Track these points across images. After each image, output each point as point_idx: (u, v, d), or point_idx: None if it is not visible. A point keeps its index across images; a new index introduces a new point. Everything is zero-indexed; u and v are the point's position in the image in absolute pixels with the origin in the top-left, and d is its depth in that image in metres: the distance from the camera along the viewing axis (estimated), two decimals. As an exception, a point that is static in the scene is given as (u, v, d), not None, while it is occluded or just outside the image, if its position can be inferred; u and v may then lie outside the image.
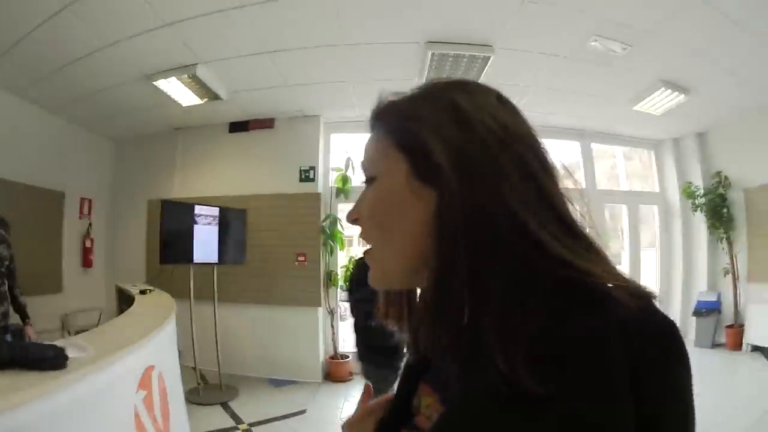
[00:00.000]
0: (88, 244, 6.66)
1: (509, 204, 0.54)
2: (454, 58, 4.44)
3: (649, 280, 6.79)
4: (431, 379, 0.70)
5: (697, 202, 6.15)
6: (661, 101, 5.29)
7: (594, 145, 6.74)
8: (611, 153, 7.09)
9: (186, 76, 4.84)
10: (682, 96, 5.12)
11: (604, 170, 7.10)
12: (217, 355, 5.37)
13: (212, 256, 5.48)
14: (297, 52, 4.49)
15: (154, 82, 4.97)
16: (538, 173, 0.57)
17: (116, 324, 3.41)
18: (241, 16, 3.85)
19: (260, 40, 4.29)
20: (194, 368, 5.23)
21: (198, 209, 5.34)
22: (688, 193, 6.21)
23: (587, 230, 0.59)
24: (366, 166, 0.68)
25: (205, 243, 5.39)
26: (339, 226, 6.10)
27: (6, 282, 3.22)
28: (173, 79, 4.91)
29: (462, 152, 0.56)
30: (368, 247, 0.67)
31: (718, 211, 5.96)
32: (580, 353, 0.46)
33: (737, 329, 5.90)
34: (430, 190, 0.58)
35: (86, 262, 6.63)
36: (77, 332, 5.70)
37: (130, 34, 4.12)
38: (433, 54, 4.36)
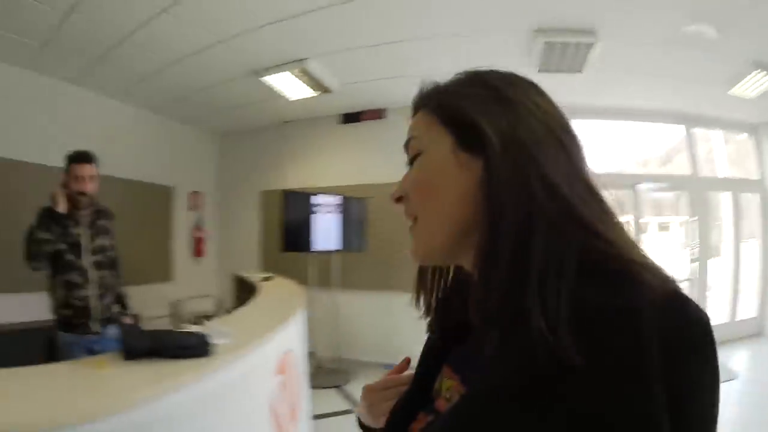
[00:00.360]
0: (199, 234, 6.93)
1: (548, 174, 0.57)
2: (561, 46, 4.49)
3: (750, 273, 6.67)
4: (454, 361, 0.72)
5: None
6: (755, 84, 5.24)
7: (694, 130, 6.64)
8: (706, 137, 6.91)
9: (297, 70, 5.02)
10: None
11: (700, 156, 6.91)
12: (334, 340, 5.58)
13: (332, 244, 5.71)
14: (407, 44, 4.61)
15: (262, 78, 5.17)
16: (572, 151, 0.62)
17: (249, 310, 3.48)
18: (352, 9, 3.95)
19: (371, 32, 4.41)
20: (311, 353, 5.42)
21: (317, 198, 5.60)
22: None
23: (609, 203, 0.61)
24: (411, 144, 0.71)
25: (326, 231, 5.63)
26: None
27: (110, 272, 3.24)
28: (284, 74, 5.11)
29: (504, 122, 0.61)
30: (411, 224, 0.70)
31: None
32: (619, 328, 0.47)
33: None
34: (475, 160, 0.61)
35: (197, 252, 6.94)
36: (189, 319, 5.93)
37: (237, 32, 4.31)
38: (542, 42, 4.42)
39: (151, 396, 1.76)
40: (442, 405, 0.70)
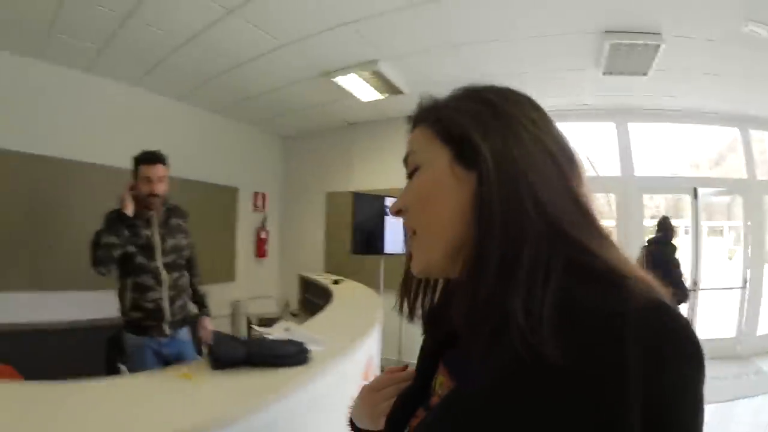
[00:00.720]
0: (263, 235, 7.02)
1: (537, 190, 0.59)
2: (628, 47, 4.44)
3: None
4: (448, 359, 0.74)
5: None
6: None
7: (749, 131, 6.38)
8: (760, 139, 6.61)
9: (367, 72, 5.00)
10: None
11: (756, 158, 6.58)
12: (400, 344, 5.53)
13: (401, 247, 5.63)
14: (478, 46, 4.57)
15: (333, 79, 5.14)
16: (563, 166, 0.63)
17: (330, 314, 3.46)
18: (423, 11, 3.94)
19: (442, 34, 4.38)
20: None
21: (388, 201, 5.54)
22: None
23: (601, 222, 0.62)
24: (409, 159, 0.73)
25: (395, 233, 5.58)
26: None
27: (185, 273, 3.13)
28: (353, 76, 5.08)
29: (498, 139, 0.63)
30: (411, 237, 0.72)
31: None
32: (602, 331, 0.48)
33: None
34: (471, 174, 0.63)
35: (260, 252, 7.05)
36: (251, 318, 5.94)
37: (307, 34, 4.28)
38: (609, 44, 4.37)
39: (253, 407, 1.73)
40: (435, 401, 0.73)
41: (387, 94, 5.59)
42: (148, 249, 2.88)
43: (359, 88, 5.38)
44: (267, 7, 3.83)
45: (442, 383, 0.73)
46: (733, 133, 6.40)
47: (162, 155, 2.97)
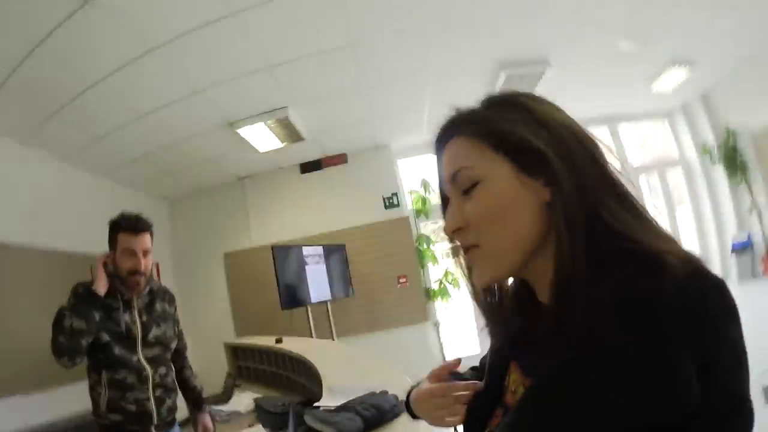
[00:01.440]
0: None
1: (591, 190, 0.66)
2: (519, 76, 5.05)
3: (685, 233, 7.47)
4: (520, 358, 0.78)
5: (713, 156, 6.95)
6: (672, 78, 6.12)
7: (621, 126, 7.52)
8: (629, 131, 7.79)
9: (273, 120, 4.95)
10: (688, 68, 5.92)
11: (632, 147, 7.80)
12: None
13: (325, 294, 5.67)
14: (383, 88, 4.85)
15: (237, 129, 5.01)
16: (601, 160, 0.70)
17: (342, 368, 3.03)
18: (334, 56, 4.13)
19: (353, 77, 4.56)
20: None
21: (306, 250, 5.51)
22: (705, 150, 7.01)
23: (640, 203, 0.69)
24: (462, 174, 0.73)
25: (318, 282, 5.56)
26: (424, 245, 6.51)
27: (173, 368, 2.68)
28: (260, 125, 4.98)
29: (554, 142, 0.68)
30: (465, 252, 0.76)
31: (732, 160, 6.71)
32: (644, 310, 0.54)
33: None
34: (536, 181, 0.68)
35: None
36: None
37: (216, 82, 4.18)
38: (504, 74, 4.94)
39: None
40: (509, 398, 0.77)
41: (287, 143, 5.56)
42: (126, 339, 2.38)
43: (259, 137, 5.28)
44: (179, 54, 3.64)
45: (515, 380, 0.77)
46: (604, 131, 7.37)
47: (148, 222, 2.49)
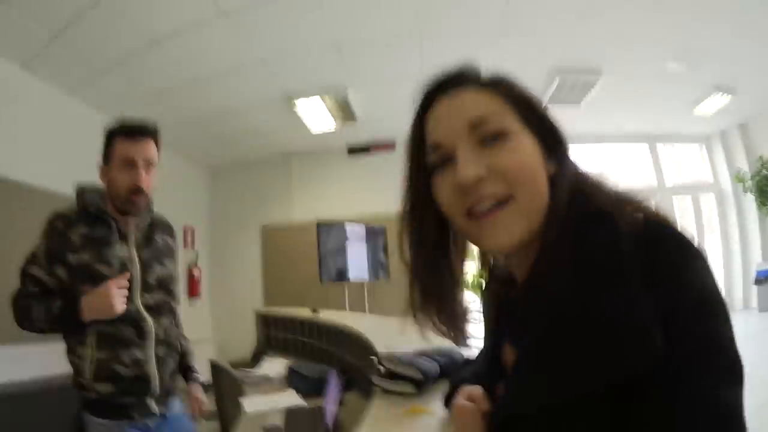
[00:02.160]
0: (195, 274, 6.50)
1: (578, 170, 0.71)
2: (572, 83, 5.27)
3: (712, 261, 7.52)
4: (510, 333, 0.79)
5: (746, 185, 7.03)
6: (714, 103, 6.28)
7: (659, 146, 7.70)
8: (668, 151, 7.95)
9: (330, 97, 5.07)
10: (730, 96, 6.10)
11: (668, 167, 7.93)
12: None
13: (363, 273, 5.73)
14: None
15: (295, 100, 5.11)
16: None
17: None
18: (399, 43, 4.26)
19: (417, 66, 4.65)
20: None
21: (348, 228, 5.58)
22: (738, 178, 7.10)
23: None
24: (493, 120, 0.67)
25: (357, 260, 5.62)
26: None
27: (172, 320, 1.97)
28: (316, 99, 5.09)
29: (560, 135, 0.72)
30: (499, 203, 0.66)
31: (765, 189, 6.84)
32: (598, 268, 0.56)
33: None
34: (546, 158, 0.69)
35: (193, 292, 6.46)
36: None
37: (280, 54, 4.27)
38: (558, 79, 5.12)
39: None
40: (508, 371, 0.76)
41: (340, 123, 5.67)
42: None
43: (314, 115, 5.39)
44: (250, 22, 3.72)
45: (509, 353, 0.77)
46: (643, 148, 7.60)
47: (154, 127, 1.85)
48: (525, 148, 0.67)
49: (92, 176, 1.84)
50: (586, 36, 4.46)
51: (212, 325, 6.89)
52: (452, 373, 1.32)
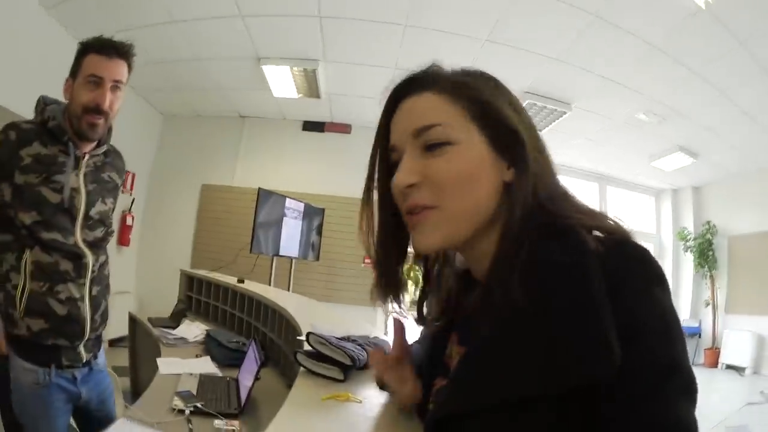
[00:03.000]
0: (128, 221, 6.16)
1: (541, 179, 0.68)
2: (539, 108, 5.30)
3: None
4: (457, 329, 0.80)
5: (688, 244, 7.29)
6: (674, 161, 6.49)
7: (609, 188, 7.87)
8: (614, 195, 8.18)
9: (299, 69, 4.95)
10: (692, 159, 6.33)
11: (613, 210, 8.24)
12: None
13: (294, 250, 5.63)
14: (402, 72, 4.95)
15: (263, 66, 4.99)
16: (549, 157, 0.72)
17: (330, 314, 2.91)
18: (383, 29, 4.19)
19: (388, 54, 4.62)
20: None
21: (289, 202, 5.46)
22: (681, 236, 7.37)
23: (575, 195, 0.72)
24: (435, 130, 0.68)
25: (290, 237, 5.50)
26: None
27: (106, 258, 1.86)
28: (285, 69, 4.99)
29: (528, 135, 0.69)
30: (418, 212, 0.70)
31: (705, 252, 7.11)
32: (564, 278, 0.57)
33: (714, 351, 7.08)
34: (502, 161, 0.69)
35: (123, 240, 6.12)
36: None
37: (261, 13, 4.16)
38: (527, 102, 5.13)
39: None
40: (451, 366, 0.77)
41: (303, 95, 5.57)
42: (65, 212, 1.63)
43: (279, 82, 5.27)
44: None
45: (456, 351, 0.78)
46: (593, 187, 7.77)
47: (131, 49, 1.70)
48: (465, 157, 0.67)
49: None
50: (565, 67, 4.49)
51: (135, 277, 6.55)
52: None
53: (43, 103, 1.67)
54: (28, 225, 1.56)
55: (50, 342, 1.61)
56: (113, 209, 1.87)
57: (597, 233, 0.61)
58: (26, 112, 1.80)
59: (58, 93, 1.71)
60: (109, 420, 1.78)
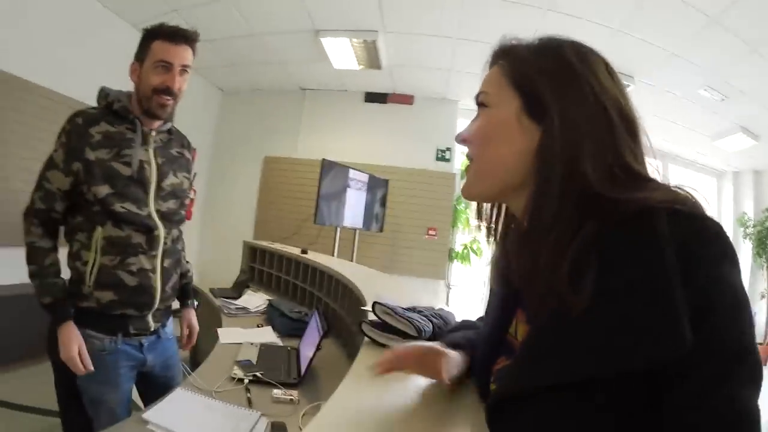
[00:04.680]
0: (191, 195, 6.25)
1: (590, 154, 0.65)
2: None
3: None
4: (523, 305, 0.79)
5: (747, 231, 6.90)
6: (735, 142, 6.14)
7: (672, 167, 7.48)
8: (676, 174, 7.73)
9: (359, 40, 4.88)
10: (753, 141, 5.98)
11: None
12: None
13: (358, 221, 5.64)
14: (476, 45, 4.76)
15: (321, 39, 4.94)
16: (616, 129, 0.67)
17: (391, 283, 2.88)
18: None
19: (448, 24, 4.51)
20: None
21: (352, 173, 5.44)
22: (741, 222, 6.98)
23: (650, 173, 0.70)
24: (481, 96, 0.77)
25: (354, 207, 5.51)
26: (462, 206, 6.52)
27: (179, 233, 1.89)
28: (344, 41, 4.93)
29: (567, 101, 0.68)
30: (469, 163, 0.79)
31: (764, 241, 6.71)
32: (634, 256, 0.56)
33: (767, 347, 6.62)
34: (535, 127, 0.70)
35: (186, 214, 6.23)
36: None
37: None
38: None
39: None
40: (516, 345, 0.79)
41: (364, 67, 5.49)
42: (136, 184, 1.66)
43: (339, 53, 5.21)
44: None
45: (523, 330, 0.78)
46: (656, 164, 7.35)
47: (195, 34, 1.74)
48: (492, 118, 0.74)
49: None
50: (627, 40, 4.28)
51: (197, 249, 6.67)
52: (443, 334, 1.23)
53: (105, 91, 1.72)
54: (101, 198, 1.58)
55: (119, 312, 1.65)
56: (189, 185, 1.90)
57: (666, 204, 0.58)
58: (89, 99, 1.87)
59: (112, 81, 1.78)
60: (172, 386, 1.82)
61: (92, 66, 4.15)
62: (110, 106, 1.68)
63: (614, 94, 0.70)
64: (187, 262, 2.06)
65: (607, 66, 0.73)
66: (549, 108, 0.68)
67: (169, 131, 1.85)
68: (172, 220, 1.78)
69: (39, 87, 3.84)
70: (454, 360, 0.94)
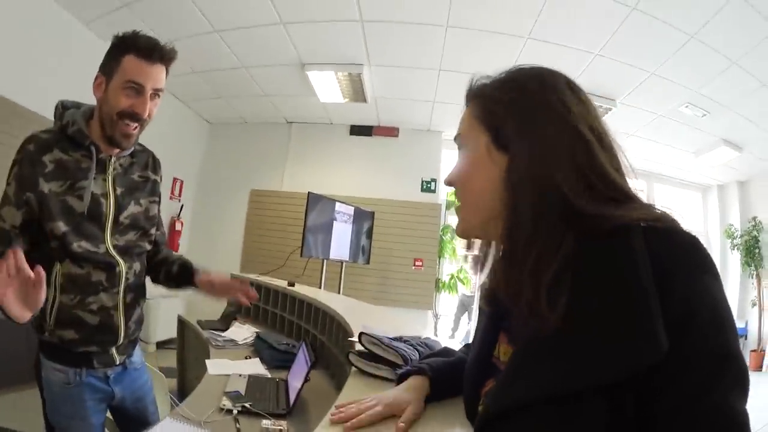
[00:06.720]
0: (177, 227, 6.29)
1: (556, 172, 0.66)
2: None
3: None
4: (506, 328, 0.82)
5: (735, 242, 6.98)
6: (719, 155, 6.21)
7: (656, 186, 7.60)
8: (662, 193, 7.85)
9: (344, 73, 4.96)
10: (736, 153, 6.06)
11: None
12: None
13: (344, 254, 5.63)
14: (460, 77, 4.77)
15: (307, 72, 5.01)
16: (589, 144, 0.68)
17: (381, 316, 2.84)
18: (425, 31, 4.15)
19: (431, 56, 4.57)
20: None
21: (338, 206, 5.46)
22: (729, 234, 7.05)
23: (629, 191, 0.69)
24: (456, 139, 0.82)
25: (340, 240, 5.50)
26: (448, 236, 6.56)
27: (143, 265, 1.71)
28: (330, 74, 5.01)
29: (528, 127, 0.70)
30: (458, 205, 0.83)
31: (752, 250, 6.79)
32: (612, 272, 0.57)
33: (760, 353, 6.73)
34: (504, 157, 0.72)
35: (172, 246, 6.19)
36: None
37: (302, 19, 4.17)
38: None
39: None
40: (501, 366, 0.81)
41: (349, 100, 5.57)
42: (91, 220, 1.51)
43: (324, 87, 5.29)
44: None
45: (506, 352, 0.80)
46: (641, 185, 7.38)
47: (173, 51, 1.53)
48: (466, 158, 0.78)
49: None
50: (608, 64, 4.38)
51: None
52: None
53: (61, 108, 1.54)
54: (58, 235, 1.45)
55: (81, 350, 1.54)
56: (156, 206, 1.74)
57: (643, 222, 0.60)
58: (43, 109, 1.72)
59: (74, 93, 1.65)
60: (146, 417, 1.76)
61: (31, 64, 3.91)
62: (64, 129, 1.50)
63: (580, 111, 0.71)
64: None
65: (570, 85, 0.75)
66: (512, 136, 0.71)
67: (132, 153, 1.65)
68: (133, 253, 1.64)
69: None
70: (416, 404, 0.98)
